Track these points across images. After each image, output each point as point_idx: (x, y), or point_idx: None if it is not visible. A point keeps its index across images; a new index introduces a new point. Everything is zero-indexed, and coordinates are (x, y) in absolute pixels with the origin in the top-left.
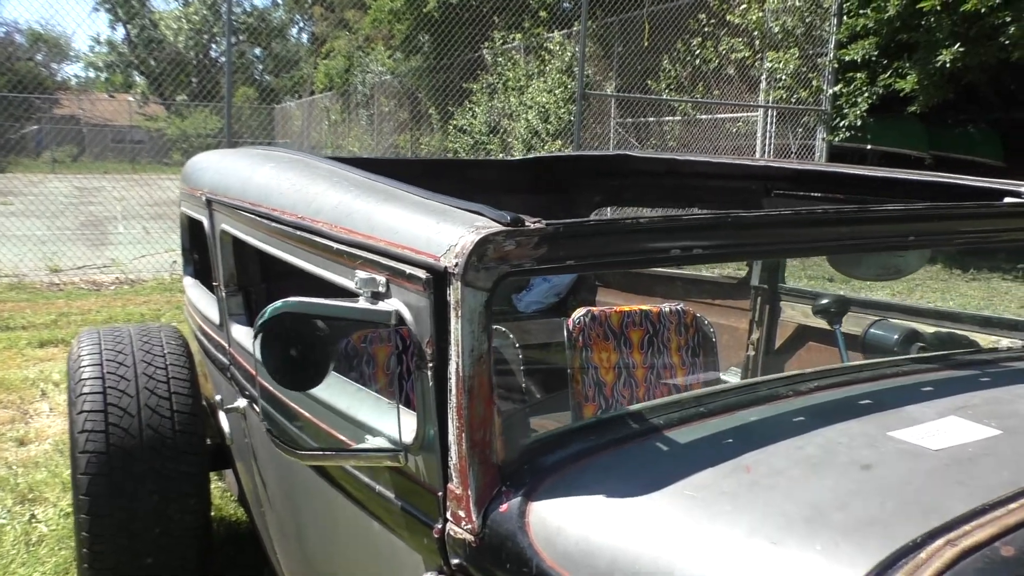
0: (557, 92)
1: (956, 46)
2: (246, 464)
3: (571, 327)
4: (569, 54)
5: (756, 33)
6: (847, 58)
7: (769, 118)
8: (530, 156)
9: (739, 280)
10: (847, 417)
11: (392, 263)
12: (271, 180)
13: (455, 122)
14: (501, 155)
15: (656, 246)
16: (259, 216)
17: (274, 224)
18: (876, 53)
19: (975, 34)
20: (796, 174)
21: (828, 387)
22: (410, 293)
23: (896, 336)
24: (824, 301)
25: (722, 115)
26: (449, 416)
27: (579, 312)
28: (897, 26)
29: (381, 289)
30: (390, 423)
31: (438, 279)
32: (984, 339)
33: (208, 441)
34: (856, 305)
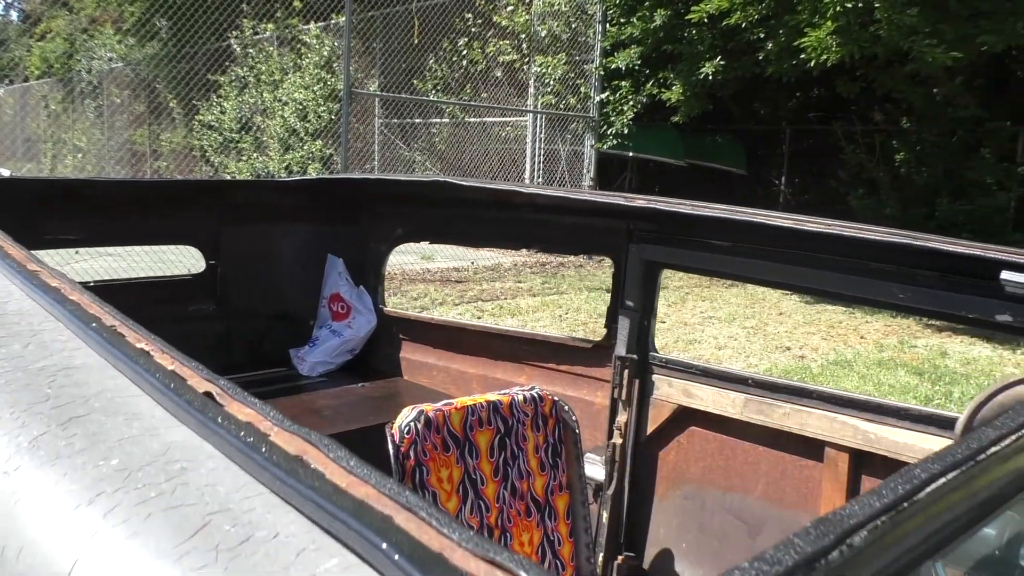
0: (316, 89)
1: (718, 59)
2: None
3: (397, 438)
4: (327, 48)
5: (524, 36)
6: (613, 66)
7: (538, 123)
8: (313, 177)
9: (594, 344)
10: None
11: None
12: None
13: (201, 117)
14: (256, 154)
15: None
16: None
17: None
18: (639, 62)
19: (733, 48)
20: (674, 217)
21: None
22: None
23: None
24: None
25: (491, 119)
26: None
27: (407, 415)
28: (661, 36)
29: None
30: None
31: None
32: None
33: None
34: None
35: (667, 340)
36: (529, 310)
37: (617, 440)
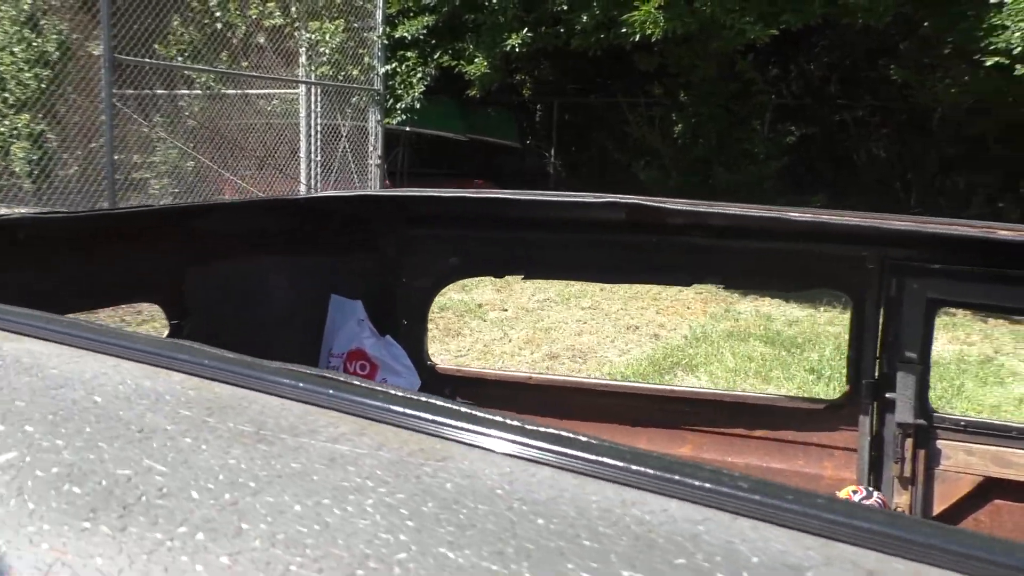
0: (18, 51)
1: (524, 31)
2: None
3: None
4: (28, 2)
5: None
6: (399, 35)
7: (313, 96)
8: (318, 195)
9: (830, 403)
10: None
11: None
12: None
13: None
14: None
15: None
16: None
17: None
18: (425, 32)
19: (533, 19)
20: (965, 243)
21: None
22: None
23: None
24: None
25: (255, 90)
26: None
27: None
28: (457, 5)
29: None
30: None
31: None
32: None
33: None
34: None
35: (522, 331)
36: None
37: None
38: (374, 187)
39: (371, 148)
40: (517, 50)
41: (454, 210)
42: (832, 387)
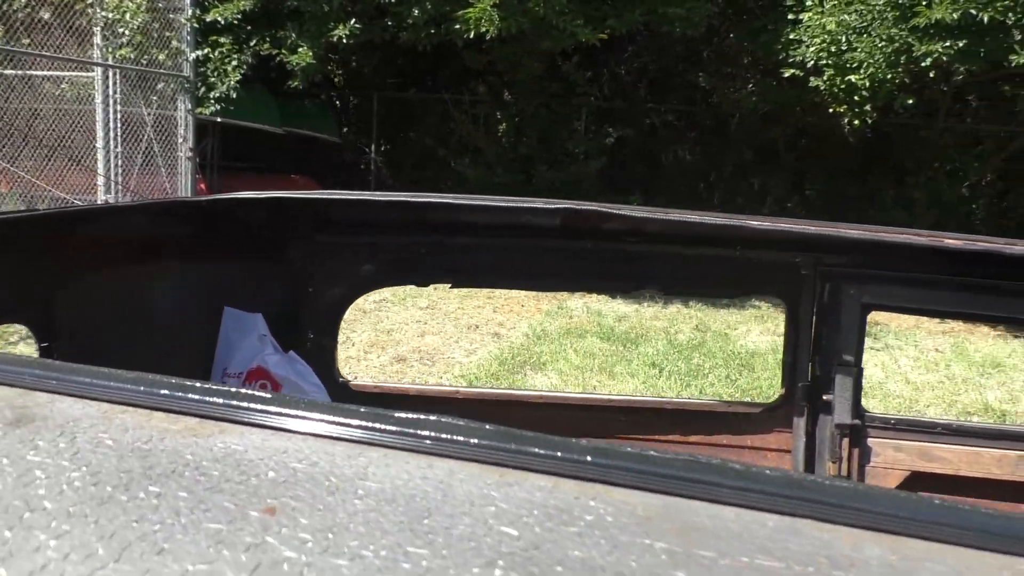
0: None
1: (352, 22)
2: None
3: None
4: None
5: None
6: (211, 19)
7: (112, 80)
8: (228, 196)
9: (765, 407)
10: None
11: None
12: None
13: None
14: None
15: None
16: None
17: None
18: (240, 18)
19: (359, 10)
20: (871, 245)
21: None
22: None
23: None
24: None
25: (40, 71)
26: None
27: None
28: None
29: None
30: None
31: None
32: None
33: None
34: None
35: (364, 334)
36: None
37: None
38: (184, 181)
39: (180, 139)
40: (345, 41)
41: (371, 214)
42: (673, 381)
